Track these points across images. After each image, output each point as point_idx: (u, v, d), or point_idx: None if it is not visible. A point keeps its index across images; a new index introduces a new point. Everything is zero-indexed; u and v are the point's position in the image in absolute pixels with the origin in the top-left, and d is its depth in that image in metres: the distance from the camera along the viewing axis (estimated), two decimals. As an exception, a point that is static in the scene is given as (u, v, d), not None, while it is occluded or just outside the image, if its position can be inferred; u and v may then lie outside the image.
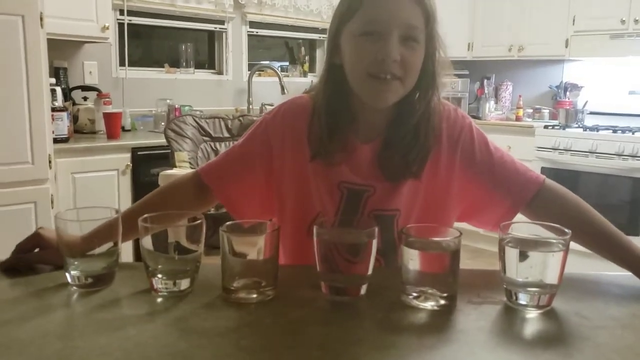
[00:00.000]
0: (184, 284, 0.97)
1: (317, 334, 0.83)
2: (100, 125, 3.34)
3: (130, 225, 0.99)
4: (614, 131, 3.97)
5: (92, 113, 3.38)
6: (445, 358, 0.79)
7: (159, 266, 0.97)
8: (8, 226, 2.45)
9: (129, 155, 3.17)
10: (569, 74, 4.71)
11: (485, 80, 4.89)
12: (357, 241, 0.96)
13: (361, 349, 0.79)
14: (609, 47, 4.13)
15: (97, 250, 1.00)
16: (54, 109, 2.90)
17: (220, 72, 4.41)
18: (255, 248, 0.96)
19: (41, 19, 2.57)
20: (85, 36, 3.31)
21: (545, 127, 4.25)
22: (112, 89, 3.65)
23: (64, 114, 3.01)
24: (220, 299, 0.94)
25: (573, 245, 0.94)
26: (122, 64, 3.76)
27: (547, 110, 4.69)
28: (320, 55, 4.89)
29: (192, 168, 2.51)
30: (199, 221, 0.98)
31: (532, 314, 0.92)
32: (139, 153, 3.20)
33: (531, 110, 4.76)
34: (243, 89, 4.39)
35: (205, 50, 4.47)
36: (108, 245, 1.00)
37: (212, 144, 2.82)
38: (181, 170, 2.46)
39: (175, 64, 4.17)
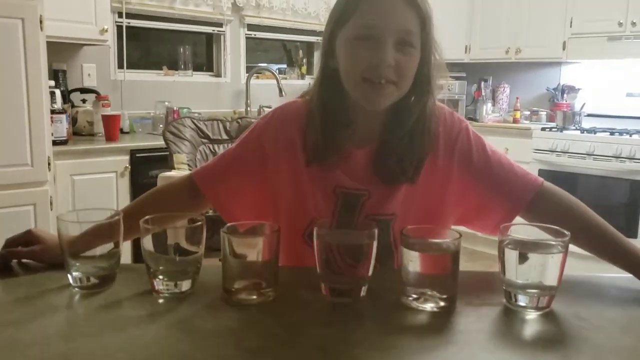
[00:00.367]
0: (185, 285, 0.98)
1: (317, 335, 0.84)
2: (99, 128, 3.35)
3: (124, 227, 1.00)
4: (612, 133, 3.98)
5: (91, 115, 3.39)
6: None
7: (160, 267, 0.97)
8: (7, 228, 2.40)
9: (127, 157, 3.17)
10: (567, 76, 4.72)
11: (483, 83, 4.90)
12: (358, 242, 0.96)
13: (361, 350, 0.79)
14: (606, 50, 4.14)
15: (99, 252, 1.00)
16: (53, 111, 2.90)
17: (218, 75, 4.42)
18: (255, 249, 0.97)
19: (41, 21, 2.58)
20: (84, 39, 3.31)
21: (543, 129, 4.26)
22: (111, 92, 3.66)
23: (63, 116, 3.02)
24: (221, 300, 0.95)
25: (571, 247, 0.95)
26: (120, 66, 3.77)
27: (545, 113, 4.70)
28: (318, 57, 4.88)
29: (190, 170, 2.51)
30: (199, 223, 0.99)
31: (532, 315, 0.92)
32: (137, 155, 3.20)
33: (528, 113, 4.76)
34: (241, 92, 4.39)
35: (203, 52, 4.48)
36: (109, 246, 1.01)
37: (210, 146, 2.83)
38: (180, 172, 2.47)
39: (173, 66, 4.17)
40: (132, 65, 3.90)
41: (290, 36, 4.75)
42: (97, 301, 0.94)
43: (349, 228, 1.09)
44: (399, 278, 0.95)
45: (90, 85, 3.59)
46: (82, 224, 1.00)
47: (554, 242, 0.94)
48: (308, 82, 4.56)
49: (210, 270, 1.03)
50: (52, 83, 3.08)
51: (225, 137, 2.86)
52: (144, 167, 3.18)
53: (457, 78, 4.92)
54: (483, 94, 4.86)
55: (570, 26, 4.29)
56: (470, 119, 4.82)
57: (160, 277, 0.97)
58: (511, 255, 0.94)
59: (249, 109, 4.33)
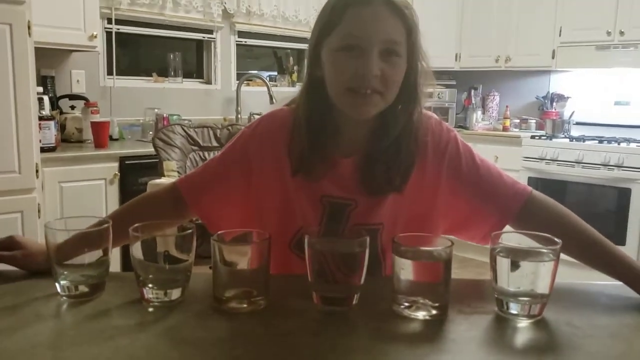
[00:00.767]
0: (175, 293, 0.97)
1: (308, 344, 0.83)
2: (88, 134, 3.32)
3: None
4: (600, 141, 4.01)
5: (80, 122, 3.36)
6: (438, 368, 0.79)
7: (150, 276, 0.96)
8: (-6, 236, 2.41)
9: (116, 164, 3.15)
10: (556, 84, 4.76)
11: (473, 91, 4.93)
12: (349, 251, 0.96)
13: (353, 359, 0.79)
14: (595, 58, 4.18)
15: (87, 260, 0.99)
16: (41, 118, 2.87)
17: (208, 82, 4.41)
18: (246, 257, 0.96)
19: (29, 27, 2.56)
20: (73, 45, 3.29)
21: (532, 137, 4.29)
22: (100, 98, 3.64)
23: (51, 123, 2.99)
24: (211, 308, 0.94)
25: (561, 255, 0.95)
26: (110, 72, 3.75)
27: (534, 121, 4.73)
28: (308, 65, 4.88)
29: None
30: (189, 231, 0.98)
31: (523, 323, 0.92)
32: (126, 162, 3.18)
33: (518, 121, 4.79)
34: (231, 99, 4.38)
35: (193, 59, 4.47)
36: (98, 254, 1.00)
37: (200, 153, 2.81)
38: (170, 179, 2.45)
39: (163, 73, 4.16)
40: (121, 72, 3.88)
41: (281, 43, 4.76)
42: (85, 310, 0.93)
43: (337, 236, 1.08)
44: (390, 286, 0.94)
45: (79, 92, 3.57)
46: (70, 232, 0.99)
47: (545, 250, 0.94)
48: (299, 89, 4.55)
49: (200, 278, 1.03)
50: (41, 89, 3.06)
51: (215, 144, 2.85)
52: (133, 174, 3.16)
53: (447, 86, 4.95)
54: (473, 102, 4.89)
55: (560, 35, 4.33)
56: (460, 126, 4.85)
57: (150, 285, 0.96)
58: (503, 263, 0.94)
59: (239, 116, 4.32)
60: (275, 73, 4.94)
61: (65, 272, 0.97)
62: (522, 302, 0.93)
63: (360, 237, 0.95)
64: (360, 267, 0.95)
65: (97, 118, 3.38)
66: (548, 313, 0.94)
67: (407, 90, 1.12)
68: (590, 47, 4.17)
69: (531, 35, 4.47)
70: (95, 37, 3.27)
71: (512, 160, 4.23)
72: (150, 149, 2.86)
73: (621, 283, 1.06)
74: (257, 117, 4.30)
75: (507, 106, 4.85)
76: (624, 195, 3.81)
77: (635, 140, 3.95)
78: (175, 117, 3.85)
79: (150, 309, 0.94)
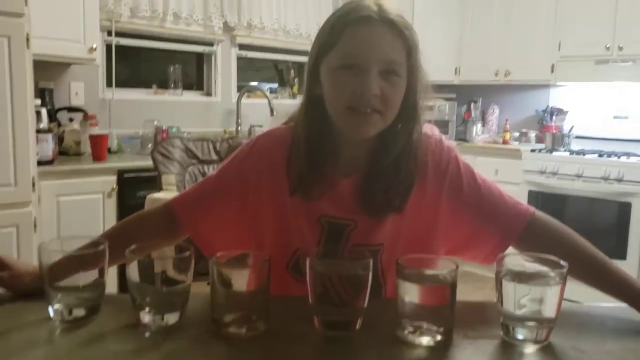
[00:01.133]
0: (173, 318, 0.94)
1: (310, 372, 0.81)
2: (86, 147, 3.30)
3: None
4: (600, 155, 4.00)
5: (78, 135, 3.34)
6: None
7: (147, 299, 0.94)
8: (-11, 250, 2.38)
9: (115, 177, 3.12)
10: (555, 98, 4.76)
11: (472, 104, 4.93)
12: (353, 273, 0.93)
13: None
14: (594, 73, 4.18)
15: (82, 282, 0.97)
16: (38, 131, 2.85)
17: (208, 94, 4.40)
18: (245, 280, 0.94)
19: (27, 39, 2.54)
20: (72, 57, 3.27)
21: (532, 150, 4.28)
22: (99, 110, 3.61)
23: (49, 136, 2.96)
24: (209, 333, 0.92)
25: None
26: (109, 84, 3.72)
27: (534, 134, 4.72)
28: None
29: (179, 191, 2.48)
30: (187, 253, 0.96)
31: (530, 349, 0.90)
32: (125, 176, 3.15)
33: (518, 134, 4.79)
34: (232, 111, 4.37)
35: (193, 71, 4.46)
36: (93, 276, 0.97)
37: (200, 166, 2.79)
38: (168, 193, 2.43)
39: (163, 85, 4.14)
40: (121, 84, 3.86)
41: (281, 56, 4.75)
42: (79, 335, 0.91)
43: (335, 258, 1.05)
44: (393, 309, 0.92)
45: (78, 104, 3.54)
46: (64, 253, 0.97)
47: (552, 274, 0.92)
48: (299, 101, 4.53)
49: (198, 299, 1.00)
50: (38, 102, 3.03)
51: (215, 157, 2.83)
52: (132, 188, 3.14)
53: (447, 99, 4.94)
54: (473, 115, 4.88)
55: (559, 49, 4.33)
56: (460, 139, 4.84)
57: (147, 309, 0.93)
58: (508, 287, 0.92)
59: (239, 128, 4.30)
60: (276, 85, 4.93)
61: (59, 295, 0.95)
62: (529, 327, 0.91)
63: (364, 259, 0.93)
64: (364, 289, 0.93)
65: (95, 131, 3.35)
66: (554, 337, 0.92)
67: (406, 110, 1.11)
68: (590, 62, 4.17)
69: (530, 49, 4.47)
70: (95, 49, 3.25)
71: (513, 174, 4.22)
72: (149, 162, 2.83)
73: (626, 305, 1.04)
74: (257, 129, 4.31)
75: (506, 119, 4.84)
76: (624, 209, 3.79)
77: (635, 154, 3.94)
78: (174, 129, 3.83)
79: (147, 334, 0.91)
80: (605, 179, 3.84)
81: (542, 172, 4.11)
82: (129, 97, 3.88)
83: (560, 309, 0.91)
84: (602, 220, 3.91)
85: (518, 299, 0.91)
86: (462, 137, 4.88)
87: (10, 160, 2.53)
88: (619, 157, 3.89)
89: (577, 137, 4.45)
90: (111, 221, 3.06)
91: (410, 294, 0.90)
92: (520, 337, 0.91)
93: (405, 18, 1.09)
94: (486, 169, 4.33)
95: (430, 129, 1.20)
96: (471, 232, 1.17)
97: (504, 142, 4.71)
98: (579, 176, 3.95)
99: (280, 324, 0.95)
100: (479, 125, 4.87)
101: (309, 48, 1.17)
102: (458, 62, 4.91)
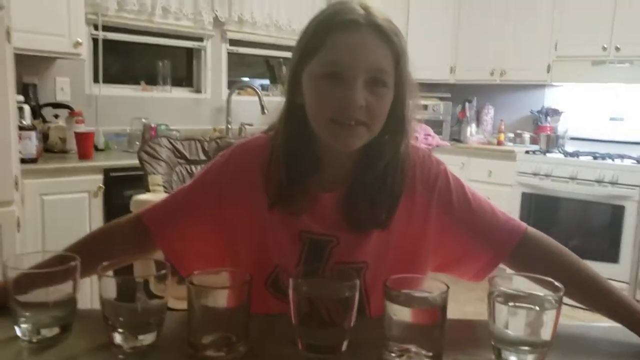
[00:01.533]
0: (148, 338, 0.89)
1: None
2: (72, 145, 3.21)
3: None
4: (595, 157, 3.98)
5: (63, 132, 3.25)
6: None
7: (120, 319, 0.88)
8: (-30, 251, 2.32)
9: (101, 176, 3.04)
10: (550, 99, 4.74)
11: (467, 104, 4.88)
12: (339, 295, 0.88)
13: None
14: (590, 73, 4.16)
15: (52, 298, 0.91)
16: (21, 128, 2.77)
17: (198, 91, 4.32)
18: (224, 300, 0.88)
19: (8, 33, 2.46)
20: (57, 52, 3.17)
21: (527, 152, 4.25)
22: (85, 107, 3.53)
23: (32, 133, 2.88)
24: (186, 356, 0.86)
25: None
26: (96, 80, 3.64)
27: (528, 135, 4.70)
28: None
29: (166, 192, 2.42)
30: (163, 272, 0.90)
31: (524, 375, 0.85)
32: (112, 174, 3.07)
33: (512, 135, 4.75)
34: (222, 108, 4.30)
35: (182, 67, 4.38)
36: (65, 293, 0.91)
37: (187, 166, 2.73)
38: (155, 194, 2.37)
39: (151, 81, 4.06)
40: (108, 80, 3.77)
41: (273, 52, 4.68)
42: (48, 357, 0.85)
43: (316, 277, 0.99)
44: (379, 330, 0.87)
45: (64, 100, 3.46)
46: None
47: (548, 297, 0.88)
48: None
49: (174, 318, 0.95)
50: (22, 98, 2.95)
51: (203, 157, 2.76)
52: (118, 187, 3.06)
53: (441, 99, 4.90)
54: (467, 115, 4.84)
55: (555, 49, 4.30)
56: (454, 140, 4.80)
57: (120, 330, 0.88)
58: (501, 309, 0.87)
59: (229, 126, 4.24)
60: (268, 81, 4.87)
61: (27, 314, 0.89)
62: (522, 352, 0.86)
63: (349, 279, 0.88)
64: (350, 311, 0.88)
65: (82, 128, 3.27)
66: (548, 362, 0.87)
67: (394, 121, 1.05)
68: (586, 62, 4.15)
69: (526, 49, 4.44)
70: (80, 44, 3.16)
71: (506, 175, 4.19)
72: (136, 161, 2.76)
73: (621, 326, 1.00)
74: (248, 127, 4.25)
75: (501, 120, 4.81)
76: (617, 212, 3.77)
77: (629, 157, 3.92)
78: (163, 127, 3.76)
79: (120, 356, 0.86)
80: (599, 181, 3.82)
81: (535, 174, 4.09)
82: (117, 93, 3.80)
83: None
84: (595, 224, 3.90)
85: (511, 322, 0.86)
86: (457, 137, 4.85)
87: (-8, 158, 2.46)
88: (613, 160, 3.88)
89: (572, 138, 4.43)
90: (97, 221, 2.99)
91: (398, 315, 0.85)
92: (513, 362, 0.86)
93: (393, 22, 1.03)
94: (480, 171, 4.31)
95: (423, 130, 1.15)
96: (461, 249, 1.12)
97: (499, 143, 4.68)
98: (572, 178, 3.93)
99: (260, 346, 0.90)
100: (474, 125, 4.83)
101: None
102: (453, 61, 4.87)
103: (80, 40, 3.16)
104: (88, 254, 0.93)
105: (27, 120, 2.95)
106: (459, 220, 1.11)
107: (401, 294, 0.86)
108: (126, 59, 4.22)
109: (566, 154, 4.14)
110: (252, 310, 1.05)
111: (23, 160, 2.72)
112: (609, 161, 3.87)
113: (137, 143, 3.47)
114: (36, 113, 3.22)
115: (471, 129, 4.77)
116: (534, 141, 4.63)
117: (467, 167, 4.39)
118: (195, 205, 1.13)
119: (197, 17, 4.05)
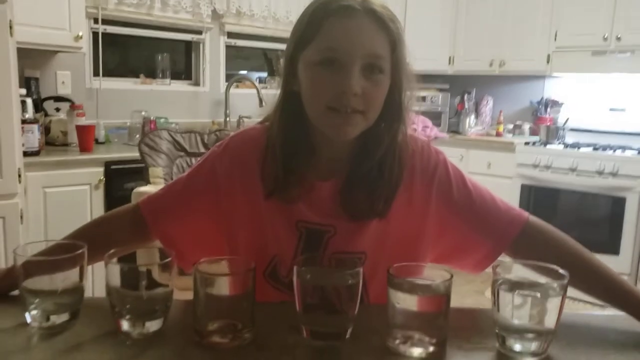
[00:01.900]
0: (154, 325, 0.90)
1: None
2: (73, 138, 3.23)
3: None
4: (595, 149, 3.96)
5: (65, 125, 3.26)
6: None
7: (127, 306, 0.89)
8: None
9: (102, 169, 3.05)
10: (550, 89, 4.71)
11: (466, 95, 4.86)
12: (343, 282, 0.89)
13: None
14: (590, 64, 4.12)
15: (61, 286, 0.92)
16: (24, 121, 2.79)
17: (197, 83, 4.32)
18: (229, 287, 0.90)
19: (11, 27, 2.46)
20: (58, 45, 3.18)
21: (526, 143, 4.23)
22: (86, 100, 3.54)
23: (35, 126, 2.89)
24: (192, 343, 0.87)
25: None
26: (96, 74, 3.65)
27: (528, 126, 4.68)
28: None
29: (166, 184, 2.42)
30: (168, 259, 0.91)
31: (527, 362, 0.86)
32: (112, 167, 3.09)
33: (512, 126, 4.74)
34: (220, 101, 4.30)
35: (182, 60, 4.38)
36: (72, 280, 0.93)
37: (187, 159, 2.73)
38: (156, 186, 2.37)
39: (151, 74, 4.07)
40: (108, 73, 3.78)
41: (271, 44, 4.67)
42: (57, 344, 0.86)
43: (315, 265, 0.99)
44: (383, 317, 0.88)
45: (65, 94, 3.47)
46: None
47: (553, 284, 0.88)
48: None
49: (180, 305, 0.97)
50: (24, 91, 2.96)
51: (202, 150, 2.77)
52: (119, 179, 3.07)
53: (440, 90, 4.89)
54: (466, 106, 4.82)
55: (555, 40, 4.27)
56: (453, 131, 4.79)
57: (127, 317, 0.89)
58: (506, 297, 0.88)
59: (228, 119, 4.24)
60: (266, 74, 4.86)
61: (36, 300, 0.90)
62: (527, 339, 0.87)
63: (352, 267, 0.89)
64: (354, 299, 0.88)
65: (82, 121, 3.28)
66: (552, 350, 0.88)
67: (391, 108, 1.04)
68: (586, 53, 4.12)
69: (526, 39, 4.41)
70: (81, 37, 3.17)
71: (505, 167, 4.18)
72: (136, 154, 2.77)
73: (626, 314, 1.01)
74: (246, 120, 4.25)
75: (500, 111, 4.80)
76: (618, 204, 3.76)
77: (630, 148, 3.91)
78: (162, 120, 3.76)
79: (128, 343, 0.87)
80: (600, 173, 3.81)
81: (535, 166, 4.07)
82: (117, 86, 3.81)
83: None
84: (596, 215, 3.89)
85: (515, 310, 0.87)
86: (455, 129, 4.84)
87: (-5, 151, 2.47)
88: (614, 151, 3.86)
89: (572, 129, 4.41)
90: (98, 213, 3.00)
91: (402, 303, 0.86)
92: (517, 349, 0.87)
93: (390, 9, 1.02)
94: (479, 162, 4.31)
95: (422, 122, 1.15)
96: (461, 239, 1.12)
97: (498, 134, 4.67)
98: (573, 170, 3.92)
99: (267, 333, 0.91)
100: (472, 116, 4.81)
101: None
102: (452, 51, 4.84)
103: (80, 34, 3.17)
104: (87, 242, 0.93)
105: (30, 114, 2.97)
106: (459, 210, 1.10)
107: (405, 281, 0.87)
108: (125, 52, 4.22)
109: (566, 145, 4.13)
110: (254, 299, 1.07)
111: (26, 153, 2.73)
112: (610, 152, 3.85)
113: (137, 136, 3.48)
114: (38, 106, 3.23)
115: (470, 121, 4.76)
116: (533, 132, 4.62)
117: (466, 159, 4.39)
118: (192, 196, 1.13)
119: (196, 9, 4.05)
